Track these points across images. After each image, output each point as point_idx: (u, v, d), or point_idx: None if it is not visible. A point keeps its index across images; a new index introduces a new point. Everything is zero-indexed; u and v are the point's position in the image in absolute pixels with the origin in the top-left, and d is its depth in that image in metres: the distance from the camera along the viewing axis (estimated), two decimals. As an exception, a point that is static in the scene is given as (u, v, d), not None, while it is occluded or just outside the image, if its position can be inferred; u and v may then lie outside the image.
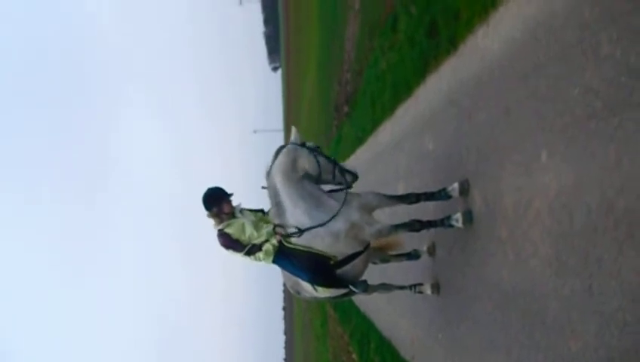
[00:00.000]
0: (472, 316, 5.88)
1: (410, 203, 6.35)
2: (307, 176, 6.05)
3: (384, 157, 11.34)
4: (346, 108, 18.54)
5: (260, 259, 6.62)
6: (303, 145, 6.10)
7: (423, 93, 8.54)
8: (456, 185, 6.04)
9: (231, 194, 6.79)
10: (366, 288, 6.71)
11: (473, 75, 6.17)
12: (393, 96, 10.66)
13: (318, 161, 6.01)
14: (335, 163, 6.12)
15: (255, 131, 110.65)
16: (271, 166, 6.05)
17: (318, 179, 6.09)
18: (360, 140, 15.16)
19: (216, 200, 6.67)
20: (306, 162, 6.00)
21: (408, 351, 9.01)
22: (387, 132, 11.52)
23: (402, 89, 9.79)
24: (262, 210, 7.04)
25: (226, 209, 6.69)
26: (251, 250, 6.58)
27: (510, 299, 4.95)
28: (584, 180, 3.90)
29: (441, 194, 6.23)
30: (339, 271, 6.29)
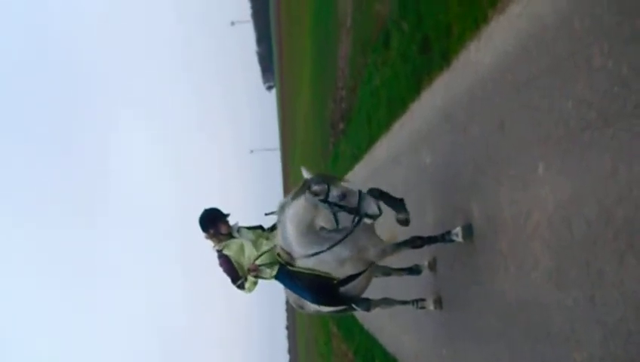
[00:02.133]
0: (476, 330, 5.86)
1: (414, 247, 6.29)
2: (322, 228, 5.91)
3: (382, 172, 11.34)
4: (341, 125, 18.56)
5: (249, 291, 6.75)
6: (325, 200, 5.70)
7: (417, 109, 8.56)
8: (459, 229, 5.99)
9: (227, 215, 6.80)
10: (368, 307, 6.71)
11: (467, 89, 6.19)
12: (388, 112, 10.68)
13: (337, 219, 5.77)
14: (358, 212, 5.79)
15: (252, 151, 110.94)
16: (287, 205, 5.86)
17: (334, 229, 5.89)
18: (357, 157, 15.17)
19: (212, 222, 6.70)
20: (324, 221, 5.82)
21: (413, 367, 8.97)
22: (384, 147, 11.54)
23: (397, 105, 9.81)
24: (260, 227, 7.06)
25: (223, 229, 6.71)
26: (241, 285, 6.68)
27: (513, 311, 4.94)
28: (582, 191, 3.91)
29: (445, 238, 6.14)
30: (342, 290, 6.28)
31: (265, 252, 6.64)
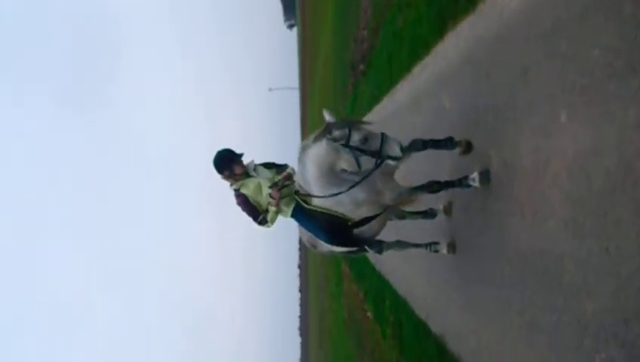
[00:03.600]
0: (488, 276, 5.89)
1: (431, 191, 6.32)
2: (343, 170, 5.87)
3: (400, 116, 11.28)
4: (361, 67, 18.39)
5: (270, 225, 6.77)
6: (346, 144, 5.61)
7: (440, 52, 8.44)
8: (476, 174, 5.96)
9: (241, 155, 6.79)
10: (380, 249, 6.76)
11: (492, 33, 6.08)
12: (410, 55, 10.54)
13: (359, 162, 5.67)
14: (380, 155, 5.67)
15: (270, 89, 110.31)
16: (308, 147, 5.80)
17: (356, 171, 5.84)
18: (376, 99, 15.05)
19: (226, 163, 6.71)
20: (346, 164, 5.74)
21: (423, 310, 9.08)
22: (404, 90, 11.44)
23: (419, 47, 9.68)
24: (274, 164, 7.08)
25: (237, 170, 6.73)
26: (262, 221, 6.71)
27: (526, 259, 4.95)
28: (603, 142, 3.86)
29: (462, 183, 6.14)
30: (356, 231, 6.32)
31: (284, 187, 6.67)
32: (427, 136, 6.40)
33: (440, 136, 6.43)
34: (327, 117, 5.76)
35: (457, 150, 6.42)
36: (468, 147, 6.36)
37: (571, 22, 4.36)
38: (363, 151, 5.60)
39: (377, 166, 5.74)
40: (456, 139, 6.36)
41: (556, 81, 4.53)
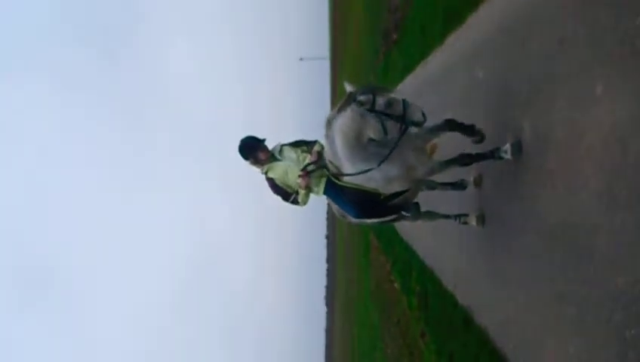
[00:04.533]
0: (517, 248, 5.86)
1: (463, 165, 6.30)
2: (371, 139, 5.79)
3: (433, 86, 11.18)
4: (394, 36, 18.19)
5: (304, 204, 6.85)
6: (372, 109, 5.55)
7: (475, 22, 8.33)
8: (508, 146, 5.89)
9: (263, 140, 6.89)
10: (418, 210, 6.79)
11: (527, 2, 5.99)
12: (444, 24, 10.41)
13: (385, 127, 5.60)
14: (403, 120, 5.63)
15: (301, 59, 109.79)
16: (333, 119, 5.76)
17: (383, 139, 5.76)
18: (408, 68, 14.93)
19: (250, 150, 6.85)
20: (373, 130, 5.65)
21: (450, 281, 9.07)
22: (437, 60, 11.33)
23: (454, 16, 9.55)
24: (303, 142, 7.11)
25: (261, 156, 6.88)
26: (294, 200, 6.80)
27: (557, 231, 4.91)
28: (640, 113, 3.79)
29: (494, 155, 6.08)
30: (389, 204, 6.36)
31: (310, 165, 6.69)
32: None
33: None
34: (349, 88, 5.73)
35: (472, 138, 6.35)
36: (482, 138, 6.36)
37: (611, -10, 4.27)
38: (388, 116, 5.57)
39: (403, 132, 5.70)
40: (477, 127, 6.29)
41: (593, 51, 4.44)
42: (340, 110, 5.68)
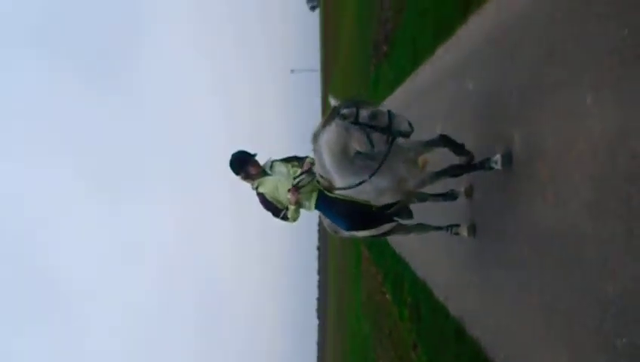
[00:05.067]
0: (508, 258, 5.87)
1: (454, 175, 6.35)
2: (358, 152, 5.75)
3: (423, 97, 11.23)
4: (384, 48, 18.27)
5: (294, 220, 6.85)
6: (355, 122, 5.51)
7: (464, 33, 8.38)
8: (498, 156, 5.90)
9: (254, 155, 6.88)
10: (410, 215, 6.80)
11: (518, 14, 6.02)
12: (434, 36, 10.47)
13: (371, 140, 5.57)
14: (390, 131, 5.59)
15: (292, 71, 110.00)
16: (319, 134, 5.72)
17: (370, 151, 5.73)
18: (399, 80, 14.99)
19: (241, 165, 6.83)
20: (358, 143, 5.61)
21: (442, 292, 9.08)
22: (427, 72, 11.37)
23: (444, 28, 9.61)
24: (295, 157, 7.10)
25: (252, 171, 6.85)
26: (284, 216, 6.79)
27: (547, 241, 4.93)
28: (630, 124, 3.81)
29: (484, 166, 6.10)
30: (380, 216, 6.39)
31: (301, 181, 6.69)
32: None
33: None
34: (333, 102, 5.73)
35: (461, 157, 6.37)
36: (471, 159, 6.36)
37: (600, 0, 4.31)
38: (373, 128, 5.54)
39: (390, 144, 5.70)
40: (466, 147, 6.32)
41: (582, 62, 4.47)
42: (324, 125, 5.67)
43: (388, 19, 17.52)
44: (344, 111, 5.52)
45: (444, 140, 6.20)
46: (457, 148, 6.24)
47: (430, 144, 6.22)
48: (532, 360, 5.22)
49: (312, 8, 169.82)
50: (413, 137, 5.88)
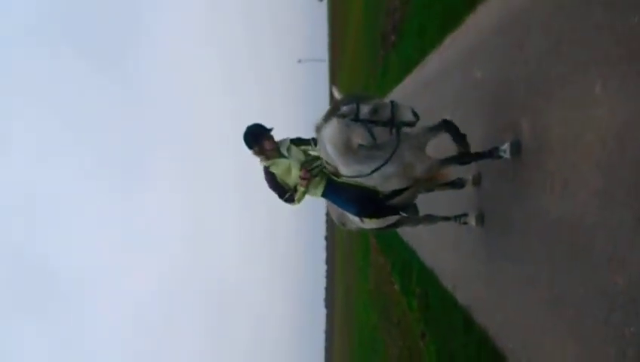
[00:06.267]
0: (516, 248, 5.87)
1: (462, 163, 6.32)
2: (361, 145, 5.74)
3: (431, 87, 11.20)
4: (393, 38, 18.22)
5: (298, 202, 6.74)
6: (356, 118, 5.51)
7: (472, 23, 8.35)
8: (507, 145, 5.90)
9: (271, 129, 6.65)
10: (416, 212, 6.77)
11: (525, 3, 6.00)
12: (442, 25, 10.44)
13: (372, 134, 5.56)
14: (393, 124, 5.59)
15: (300, 60, 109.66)
16: (321, 126, 5.72)
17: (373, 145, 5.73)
18: (407, 70, 14.95)
19: (255, 138, 6.58)
20: (360, 138, 5.61)
21: (450, 282, 9.09)
22: (435, 61, 11.35)
23: (452, 18, 9.58)
24: (299, 139, 6.97)
25: (267, 146, 6.62)
26: (289, 198, 6.66)
27: (555, 231, 4.92)
28: (638, 113, 3.80)
29: (492, 154, 6.07)
30: (387, 203, 6.37)
31: (314, 168, 6.61)
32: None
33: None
34: (336, 93, 5.70)
35: (459, 146, 6.34)
36: (467, 151, 6.30)
37: (608, -10, 4.29)
38: (374, 123, 5.54)
39: (398, 136, 5.70)
40: (466, 139, 6.28)
41: (591, 52, 4.46)
42: (325, 119, 5.65)
43: (396, 8, 17.46)
44: (344, 109, 5.53)
45: (447, 125, 6.18)
46: (458, 136, 6.21)
47: (434, 129, 6.20)
48: (541, 349, 5.22)
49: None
50: (421, 126, 5.88)
